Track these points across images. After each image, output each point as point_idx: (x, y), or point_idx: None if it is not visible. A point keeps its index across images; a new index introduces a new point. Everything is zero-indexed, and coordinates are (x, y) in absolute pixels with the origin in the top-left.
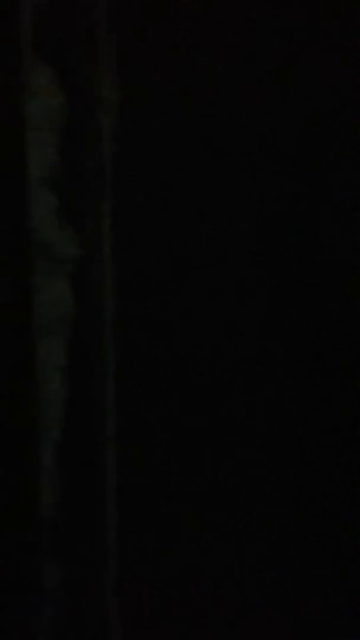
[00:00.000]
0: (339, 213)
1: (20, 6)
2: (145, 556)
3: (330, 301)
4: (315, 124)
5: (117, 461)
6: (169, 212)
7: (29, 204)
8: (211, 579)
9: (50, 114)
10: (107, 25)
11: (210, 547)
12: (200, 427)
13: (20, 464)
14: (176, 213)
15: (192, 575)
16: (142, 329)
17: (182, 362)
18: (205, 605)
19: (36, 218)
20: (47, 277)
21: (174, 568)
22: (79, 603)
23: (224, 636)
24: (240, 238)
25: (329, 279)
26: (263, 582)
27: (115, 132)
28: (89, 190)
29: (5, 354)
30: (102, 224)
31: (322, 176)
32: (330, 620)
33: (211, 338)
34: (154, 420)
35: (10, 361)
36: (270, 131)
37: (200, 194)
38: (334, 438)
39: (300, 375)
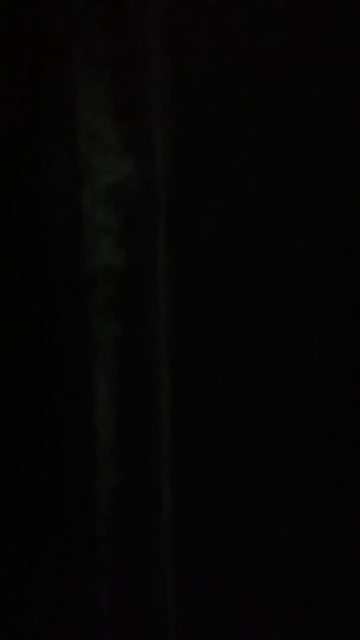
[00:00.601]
0: None
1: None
2: (201, 575)
3: None
4: None
5: (172, 474)
6: (227, 230)
7: (86, 225)
8: (271, 587)
9: (104, 129)
10: (159, 35)
11: (268, 555)
12: (256, 437)
13: (75, 480)
14: (234, 232)
15: (249, 591)
16: (197, 350)
17: (238, 386)
18: (266, 612)
19: (92, 237)
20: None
21: (232, 583)
22: (135, 621)
23: None
24: (301, 259)
25: None
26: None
27: (169, 148)
28: (143, 208)
29: (63, 374)
30: (156, 243)
31: None
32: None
33: (271, 361)
34: (208, 432)
35: (68, 380)
36: (337, 144)
37: (260, 212)
38: None
39: None
